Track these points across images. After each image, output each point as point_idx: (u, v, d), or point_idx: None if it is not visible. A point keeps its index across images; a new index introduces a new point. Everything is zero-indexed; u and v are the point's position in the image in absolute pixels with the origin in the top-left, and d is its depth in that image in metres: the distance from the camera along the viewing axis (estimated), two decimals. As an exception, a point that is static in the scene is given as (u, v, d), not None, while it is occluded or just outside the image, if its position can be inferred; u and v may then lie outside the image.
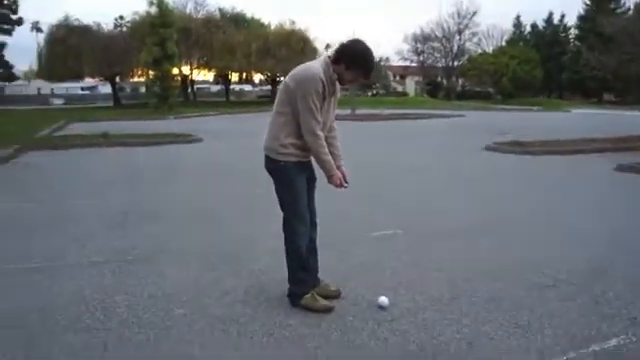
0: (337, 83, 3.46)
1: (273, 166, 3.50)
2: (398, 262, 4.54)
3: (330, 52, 3.56)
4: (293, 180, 3.49)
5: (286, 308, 3.57)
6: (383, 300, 3.58)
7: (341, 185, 3.54)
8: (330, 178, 3.51)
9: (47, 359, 2.93)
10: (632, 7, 42.54)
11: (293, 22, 46.03)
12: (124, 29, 45.31)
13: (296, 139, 3.41)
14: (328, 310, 3.51)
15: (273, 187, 3.59)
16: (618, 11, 51.25)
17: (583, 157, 11.72)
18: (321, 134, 3.38)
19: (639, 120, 24.35)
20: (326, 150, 3.43)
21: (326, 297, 3.63)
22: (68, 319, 3.42)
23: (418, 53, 66.27)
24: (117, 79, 49.19)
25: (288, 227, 3.57)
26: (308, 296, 3.55)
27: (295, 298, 3.58)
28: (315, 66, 3.38)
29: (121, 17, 47.29)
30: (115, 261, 4.58)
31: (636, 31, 17.76)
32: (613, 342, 3.10)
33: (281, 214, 3.60)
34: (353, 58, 3.37)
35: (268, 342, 3.11)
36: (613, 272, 4.29)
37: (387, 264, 4.48)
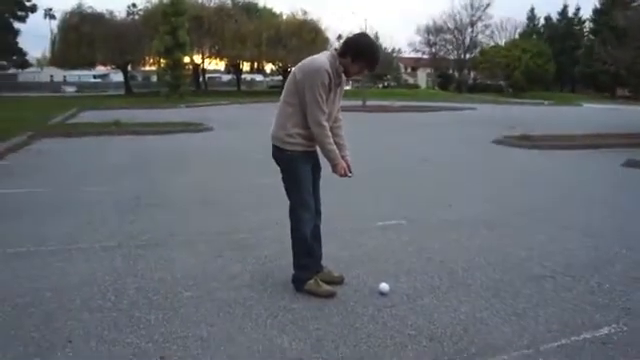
0: (343, 75, 3.58)
1: (280, 155, 3.62)
2: (400, 251, 4.65)
3: (338, 44, 3.69)
4: (299, 169, 3.61)
5: (290, 293, 3.70)
6: (384, 286, 3.71)
7: (345, 174, 3.65)
8: (334, 167, 3.63)
9: (62, 336, 3.08)
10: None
11: (305, 12, 46.09)
12: (136, 17, 45.53)
13: (302, 129, 3.52)
14: (331, 295, 3.64)
15: (279, 178, 3.71)
16: (634, 4, 50.68)
17: (591, 152, 11.74)
18: (326, 124, 3.50)
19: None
20: (331, 140, 3.54)
21: (329, 283, 3.76)
22: (81, 299, 3.58)
23: (430, 45, 66.14)
24: (129, 67, 49.47)
25: (293, 215, 3.70)
26: (311, 282, 3.68)
27: (299, 283, 3.71)
28: (322, 58, 3.50)
29: (134, 5, 47.59)
30: (126, 245, 4.73)
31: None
32: (605, 331, 3.20)
33: (288, 202, 3.73)
34: (358, 51, 3.49)
35: (272, 324, 3.25)
36: (612, 266, 4.37)
37: (390, 253, 4.59)
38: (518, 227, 5.54)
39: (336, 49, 3.59)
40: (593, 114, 26.00)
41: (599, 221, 5.83)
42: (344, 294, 3.69)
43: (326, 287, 3.69)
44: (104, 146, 11.98)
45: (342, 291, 3.73)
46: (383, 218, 5.72)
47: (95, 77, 67.51)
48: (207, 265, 4.27)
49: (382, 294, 3.68)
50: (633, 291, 3.81)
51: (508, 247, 4.82)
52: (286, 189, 3.72)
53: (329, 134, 3.53)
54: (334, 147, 3.57)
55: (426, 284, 3.91)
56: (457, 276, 4.08)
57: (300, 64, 3.55)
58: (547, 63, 55.15)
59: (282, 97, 3.61)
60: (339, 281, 3.86)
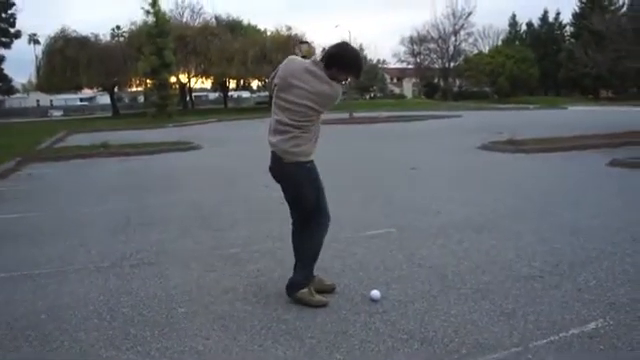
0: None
1: (296, 168, 3.64)
2: (391, 259, 4.72)
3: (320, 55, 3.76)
4: (318, 175, 3.74)
5: (283, 304, 3.76)
6: (375, 293, 3.78)
7: None
8: None
9: (60, 356, 3.12)
10: (626, 2, 42.85)
11: (289, 28, 46.27)
12: (121, 39, 45.62)
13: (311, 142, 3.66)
14: (323, 305, 3.69)
15: (269, 192, 3.78)
16: (612, 8, 51.52)
17: (577, 153, 11.88)
18: None
19: (635, 115, 24.53)
20: None
21: (321, 291, 3.82)
22: (77, 319, 3.61)
23: (414, 55, 66.74)
24: (115, 89, 49.48)
25: (317, 221, 3.81)
26: (305, 290, 3.73)
27: (295, 288, 3.75)
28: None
29: (118, 27, 47.63)
30: (119, 265, 4.77)
31: (628, 28, 17.93)
32: (592, 326, 3.28)
33: (278, 217, 3.79)
34: (344, 62, 3.60)
35: (266, 335, 3.30)
36: (598, 263, 4.46)
37: (380, 261, 4.66)
38: (506, 229, 5.62)
39: (320, 60, 3.64)
40: (578, 116, 26.29)
41: (585, 220, 5.93)
42: (336, 302, 3.75)
43: (318, 297, 3.74)
44: (93, 168, 11.99)
45: (334, 299, 3.79)
46: (373, 227, 5.79)
47: (82, 100, 67.58)
48: (200, 280, 4.31)
49: (373, 301, 3.74)
50: (618, 286, 3.90)
51: (496, 249, 4.90)
52: (307, 199, 3.73)
53: None
54: None
55: (417, 289, 3.97)
56: (447, 280, 4.15)
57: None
58: (531, 68, 55.85)
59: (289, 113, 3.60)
60: (331, 289, 3.92)
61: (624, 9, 44.08)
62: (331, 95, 3.58)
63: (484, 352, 3.00)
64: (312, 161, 3.69)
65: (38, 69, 45.36)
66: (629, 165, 9.72)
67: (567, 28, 61.68)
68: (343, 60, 3.59)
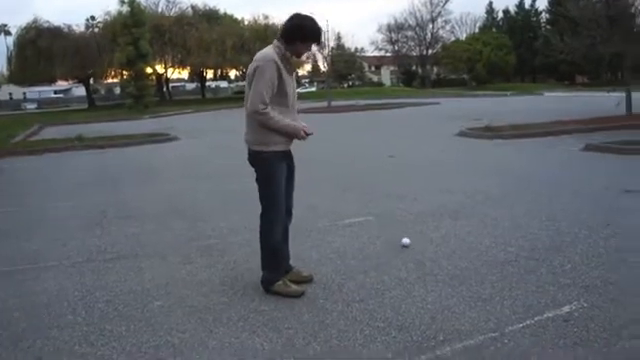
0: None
1: (257, 157, 3.65)
2: (368, 247, 4.73)
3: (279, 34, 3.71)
4: (275, 170, 3.65)
5: (260, 295, 3.74)
6: (405, 241, 4.58)
7: (307, 134, 3.69)
8: (296, 135, 3.66)
9: (32, 355, 3.06)
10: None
11: (266, 17, 45.83)
12: (96, 30, 44.81)
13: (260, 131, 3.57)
14: (299, 295, 3.68)
15: (246, 183, 3.74)
16: (586, -6, 52.02)
17: (553, 139, 12.00)
18: (266, 110, 3.49)
19: (608, 101, 24.84)
20: (276, 118, 3.54)
21: (298, 282, 3.81)
22: (51, 316, 3.56)
23: (392, 42, 66.76)
24: (91, 81, 48.71)
25: (266, 217, 3.73)
26: (280, 283, 3.72)
27: (268, 285, 3.75)
28: (268, 52, 3.59)
29: (92, 17, 46.70)
30: (95, 260, 4.71)
31: (602, 14, 18.08)
32: (566, 309, 3.32)
33: (256, 208, 3.75)
34: (305, 34, 3.61)
35: (243, 327, 3.28)
36: (573, 247, 4.52)
37: (358, 249, 4.66)
38: (482, 215, 5.65)
39: (279, 38, 3.63)
40: (554, 102, 26.57)
41: (561, 205, 5.99)
42: (313, 292, 3.74)
43: (294, 287, 3.73)
44: (68, 162, 11.81)
45: (311, 289, 3.78)
46: (350, 215, 5.79)
47: (56, 92, 66.52)
48: (177, 273, 4.27)
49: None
50: (592, 269, 3.95)
51: (473, 236, 4.93)
52: (260, 190, 3.73)
53: (272, 115, 3.53)
54: (284, 120, 3.58)
55: (394, 277, 3.98)
56: (424, 267, 4.17)
57: (253, 61, 3.61)
58: (508, 55, 56.21)
59: (245, 101, 3.63)
60: (308, 280, 3.90)
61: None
62: (252, 64, 3.54)
63: (461, 338, 3.01)
64: (272, 152, 3.61)
65: (10, 61, 44.33)
66: (602, 149, 9.85)
67: (543, 15, 62.30)
68: (304, 31, 3.59)
